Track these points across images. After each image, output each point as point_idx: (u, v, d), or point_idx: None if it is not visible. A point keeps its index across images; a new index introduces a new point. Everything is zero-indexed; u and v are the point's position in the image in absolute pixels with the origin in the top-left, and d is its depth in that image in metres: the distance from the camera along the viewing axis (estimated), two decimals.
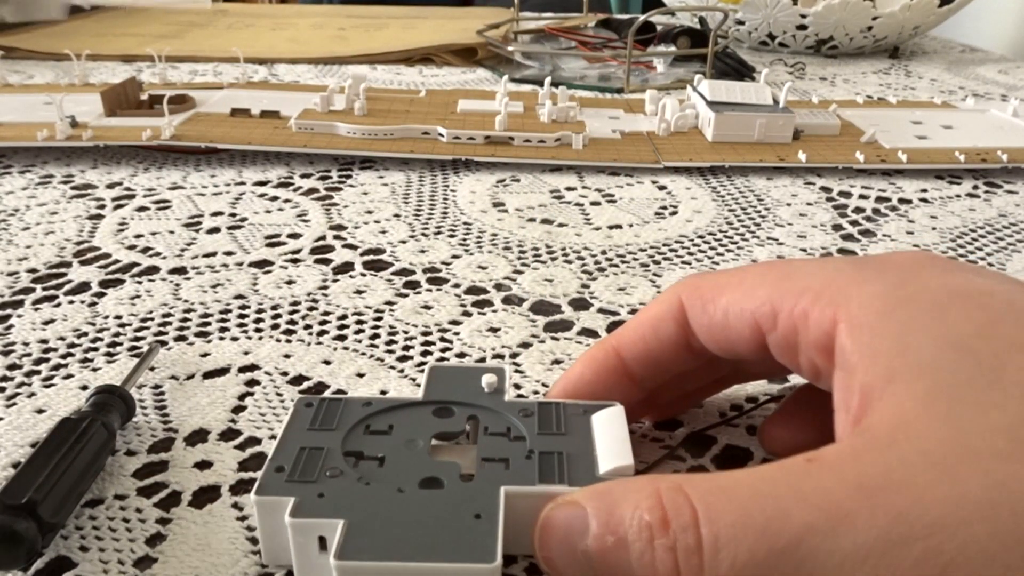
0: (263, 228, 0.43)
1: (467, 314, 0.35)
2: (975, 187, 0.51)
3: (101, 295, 0.36)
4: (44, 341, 0.32)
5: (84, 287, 0.36)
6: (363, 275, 0.38)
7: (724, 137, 0.55)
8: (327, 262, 0.39)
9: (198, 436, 0.27)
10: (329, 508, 0.20)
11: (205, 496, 0.24)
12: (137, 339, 0.32)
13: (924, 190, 0.50)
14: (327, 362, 0.31)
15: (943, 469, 0.16)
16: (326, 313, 0.34)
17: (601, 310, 0.35)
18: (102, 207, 0.46)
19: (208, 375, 0.30)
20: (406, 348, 0.32)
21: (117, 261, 0.39)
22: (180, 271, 0.38)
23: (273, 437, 0.27)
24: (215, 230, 0.43)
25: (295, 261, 0.39)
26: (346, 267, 0.39)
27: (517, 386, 0.30)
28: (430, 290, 0.37)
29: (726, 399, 0.29)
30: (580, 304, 0.36)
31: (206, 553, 0.22)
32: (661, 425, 0.28)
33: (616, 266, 0.39)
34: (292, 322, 0.34)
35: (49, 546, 0.22)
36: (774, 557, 0.16)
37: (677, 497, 0.17)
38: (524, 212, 0.46)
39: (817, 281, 0.21)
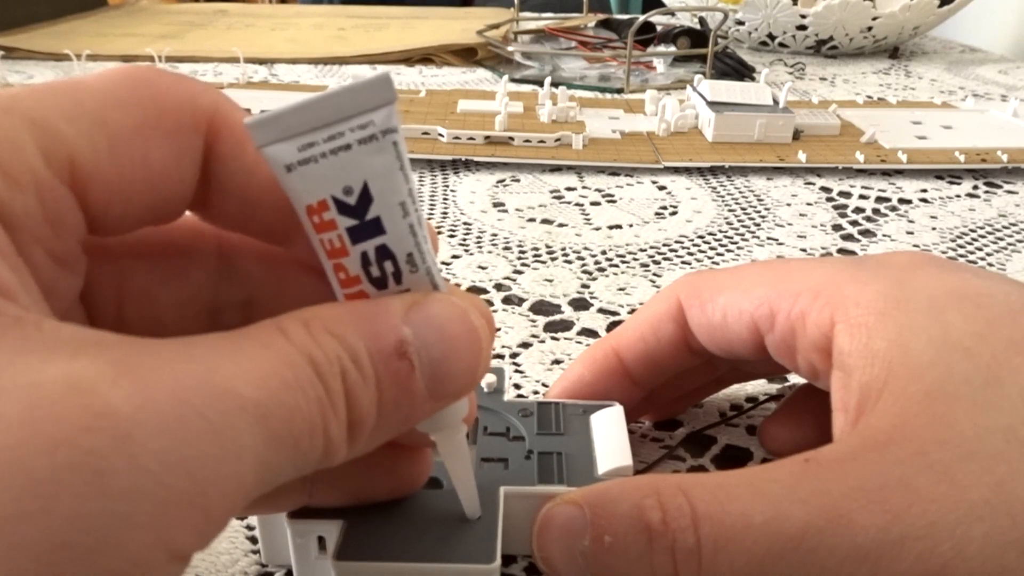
0: None
1: None
2: (975, 187, 0.51)
3: None
4: None
5: None
6: None
7: (724, 137, 0.55)
8: None
9: None
10: (328, 508, 0.20)
11: None
12: None
13: (924, 190, 0.50)
14: None
15: (941, 470, 0.16)
16: None
17: (601, 310, 0.35)
18: None
19: None
20: None
21: None
22: None
23: None
24: None
25: None
26: None
27: (517, 386, 0.30)
28: None
29: (726, 399, 0.29)
30: (580, 304, 0.36)
31: (206, 553, 0.22)
32: (661, 425, 0.28)
33: (616, 266, 0.39)
34: None
35: None
36: (773, 558, 0.16)
37: (676, 498, 0.17)
38: (524, 212, 0.46)
39: (815, 281, 0.21)
